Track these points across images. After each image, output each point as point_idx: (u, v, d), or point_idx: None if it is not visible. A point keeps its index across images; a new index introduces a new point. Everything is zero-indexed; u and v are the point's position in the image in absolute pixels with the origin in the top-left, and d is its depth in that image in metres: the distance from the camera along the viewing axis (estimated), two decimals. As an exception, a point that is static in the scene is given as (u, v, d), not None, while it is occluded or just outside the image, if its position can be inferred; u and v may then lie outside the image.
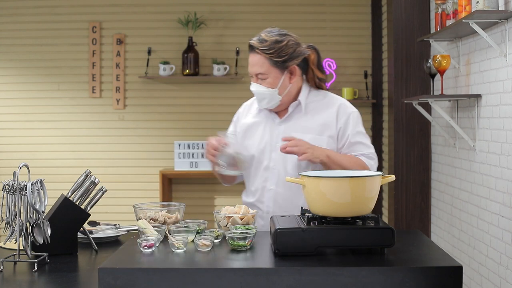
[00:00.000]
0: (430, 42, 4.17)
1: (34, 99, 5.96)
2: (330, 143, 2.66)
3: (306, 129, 2.67)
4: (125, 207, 5.60)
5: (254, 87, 2.69)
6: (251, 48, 2.66)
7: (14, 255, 2.26)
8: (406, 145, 4.72)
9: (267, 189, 2.70)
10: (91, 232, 2.66)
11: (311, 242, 2.05)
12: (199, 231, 2.32)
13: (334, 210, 2.13)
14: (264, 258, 2.10)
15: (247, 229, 2.24)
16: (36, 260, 2.19)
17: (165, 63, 5.82)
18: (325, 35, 5.90)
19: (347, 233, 2.07)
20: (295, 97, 2.72)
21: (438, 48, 4.12)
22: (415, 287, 1.90)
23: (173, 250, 2.13)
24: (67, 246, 2.41)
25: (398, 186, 4.71)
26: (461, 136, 3.91)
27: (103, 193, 2.54)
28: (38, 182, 2.26)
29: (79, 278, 2.17)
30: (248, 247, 2.15)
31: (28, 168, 2.26)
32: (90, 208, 2.48)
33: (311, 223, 2.13)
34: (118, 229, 2.81)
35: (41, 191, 2.26)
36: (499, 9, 3.19)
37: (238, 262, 2.04)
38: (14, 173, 2.24)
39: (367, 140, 2.72)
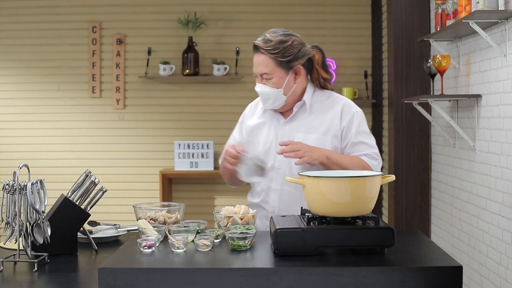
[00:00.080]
0: (430, 42, 4.17)
1: (34, 99, 5.96)
2: (334, 142, 2.66)
3: (311, 129, 2.68)
4: (125, 207, 5.60)
5: (259, 87, 2.69)
6: (256, 48, 2.66)
7: (14, 255, 2.26)
8: (406, 145, 4.72)
9: (273, 190, 2.70)
10: (91, 232, 2.66)
11: (311, 242, 2.05)
12: (199, 231, 2.32)
13: (334, 210, 2.13)
14: (264, 258, 2.10)
15: (247, 229, 2.24)
16: (36, 260, 2.19)
17: (165, 63, 5.82)
18: (325, 35, 5.90)
19: (347, 233, 2.07)
20: (300, 97, 2.72)
21: (438, 48, 4.12)
22: (415, 287, 1.90)
23: (173, 250, 2.13)
24: (67, 246, 2.41)
25: (398, 186, 4.71)
26: (461, 136, 3.91)
27: (103, 193, 2.54)
28: (38, 182, 2.26)
29: (79, 278, 2.17)
30: (248, 247, 2.15)
31: (28, 168, 2.26)
32: (90, 208, 2.48)
33: (311, 223, 2.13)
34: (118, 229, 2.81)
35: (41, 191, 2.26)
36: (499, 9, 3.19)
37: (238, 262, 2.04)
38: (14, 173, 2.24)
39: (371, 140, 2.70)
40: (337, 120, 2.68)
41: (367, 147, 2.67)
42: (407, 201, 4.73)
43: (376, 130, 5.84)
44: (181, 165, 5.81)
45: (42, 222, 2.23)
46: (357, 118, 2.70)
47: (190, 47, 5.81)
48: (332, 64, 5.82)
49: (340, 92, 5.75)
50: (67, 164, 5.92)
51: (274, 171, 2.68)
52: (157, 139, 5.99)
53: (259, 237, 2.30)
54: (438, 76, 3.99)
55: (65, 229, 2.39)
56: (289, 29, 2.73)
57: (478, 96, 3.63)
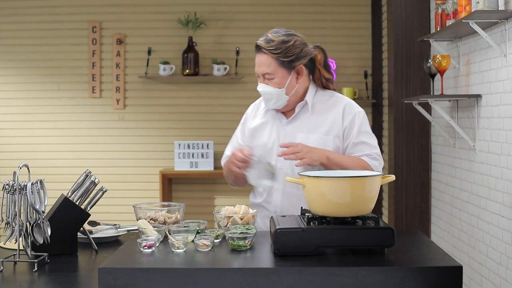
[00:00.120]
0: (430, 42, 4.17)
1: (34, 99, 5.96)
2: (336, 142, 2.66)
3: (313, 129, 2.68)
4: (125, 207, 5.60)
5: (261, 87, 2.69)
6: (258, 48, 2.66)
7: (14, 255, 2.26)
8: (406, 145, 4.72)
9: (275, 189, 2.70)
10: (91, 232, 2.66)
11: (311, 242, 2.05)
12: (199, 231, 2.32)
13: (334, 210, 2.13)
14: (264, 258, 2.10)
15: (247, 229, 2.24)
16: (36, 260, 2.19)
17: (165, 63, 5.82)
18: (325, 35, 5.90)
19: (347, 233, 2.07)
20: (302, 97, 2.72)
21: (438, 48, 4.12)
22: (415, 287, 1.90)
23: (173, 250, 2.13)
24: (67, 246, 2.41)
25: (398, 186, 4.71)
26: (461, 136, 3.91)
27: (103, 193, 2.54)
28: (38, 182, 2.26)
29: (79, 278, 2.17)
30: (248, 247, 2.15)
31: (28, 168, 2.26)
32: (90, 208, 2.48)
33: (311, 223, 2.13)
34: (118, 229, 2.81)
35: (41, 191, 2.26)
36: (499, 9, 3.19)
37: (238, 262, 2.04)
38: (14, 173, 2.24)
39: (373, 140, 2.70)
40: (339, 120, 2.68)
41: (368, 148, 2.67)
42: (407, 201, 4.73)
43: (376, 130, 5.84)
44: (181, 165, 5.81)
45: (42, 222, 2.23)
46: (359, 118, 2.70)
47: (190, 47, 5.81)
48: (332, 64, 5.82)
49: (340, 92, 5.70)
50: (67, 164, 5.92)
51: (276, 171, 2.68)
52: (157, 139, 5.98)
53: (259, 237, 2.30)
54: (438, 76, 3.99)
55: (65, 229, 2.39)
56: (289, 29, 2.74)
57: (478, 96, 3.63)
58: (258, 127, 2.78)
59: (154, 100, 5.97)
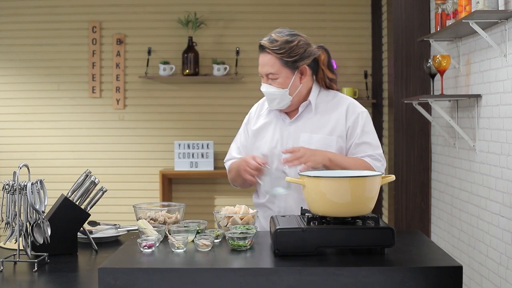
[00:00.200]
0: (430, 42, 4.17)
1: (34, 99, 5.96)
2: (339, 143, 2.66)
3: (316, 129, 2.67)
4: (125, 207, 5.60)
5: (265, 87, 2.68)
6: (262, 48, 2.66)
7: (14, 255, 2.26)
8: (406, 145, 4.72)
9: None
10: (91, 232, 2.66)
11: (311, 242, 2.05)
12: (199, 231, 2.32)
13: (334, 210, 2.13)
14: (264, 258, 2.10)
15: (247, 229, 2.24)
16: (36, 260, 2.19)
17: (165, 63, 5.82)
18: (325, 35, 5.90)
19: (347, 233, 2.07)
20: (305, 97, 2.72)
21: (438, 48, 4.12)
22: (415, 287, 1.90)
23: (173, 250, 2.13)
24: (67, 246, 2.41)
25: (398, 186, 4.71)
26: (461, 136, 3.91)
27: (103, 193, 2.54)
28: (38, 182, 2.26)
29: (79, 278, 2.17)
30: (248, 247, 2.15)
31: (28, 168, 2.26)
32: (90, 208, 2.48)
33: (311, 223, 2.13)
34: (118, 229, 2.81)
35: (41, 191, 2.26)
36: (499, 9, 3.19)
37: (238, 262, 2.04)
38: (14, 173, 2.24)
39: (375, 141, 2.70)
40: (342, 120, 2.68)
41: (371, 148, 2.67)
42: (407, 201, 4.73)
43: (376, 130, 5.78)
44: (181, 165, 5.81)
45: (42, 222, 2.23)
46: (362, 118, 2.70)
47: (190, 47, 5.81)
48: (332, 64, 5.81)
49: (340, 92, 5.75)
50: (67, 164, 5.92)
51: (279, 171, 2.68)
52: (157, 139, 5.99)
53: (259, 237, 2.30)
54: (438, 76, 3.99)
55: (65, 229, 2.39)
56: (292, 29, 2.73)
57: (478, 96, 3.63)
58: (262, 128, 2.77)
59: (154, 100, 5.97)
